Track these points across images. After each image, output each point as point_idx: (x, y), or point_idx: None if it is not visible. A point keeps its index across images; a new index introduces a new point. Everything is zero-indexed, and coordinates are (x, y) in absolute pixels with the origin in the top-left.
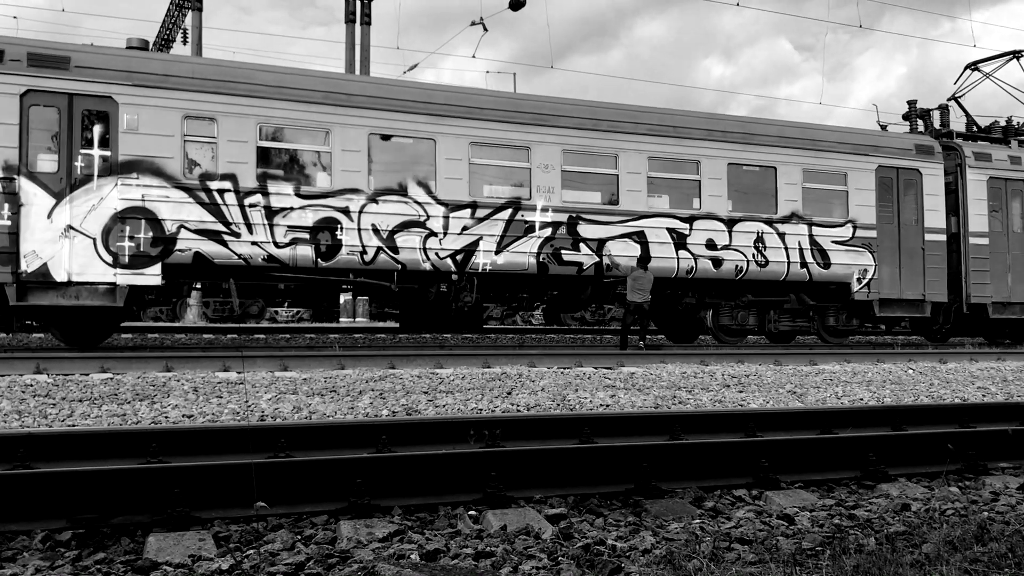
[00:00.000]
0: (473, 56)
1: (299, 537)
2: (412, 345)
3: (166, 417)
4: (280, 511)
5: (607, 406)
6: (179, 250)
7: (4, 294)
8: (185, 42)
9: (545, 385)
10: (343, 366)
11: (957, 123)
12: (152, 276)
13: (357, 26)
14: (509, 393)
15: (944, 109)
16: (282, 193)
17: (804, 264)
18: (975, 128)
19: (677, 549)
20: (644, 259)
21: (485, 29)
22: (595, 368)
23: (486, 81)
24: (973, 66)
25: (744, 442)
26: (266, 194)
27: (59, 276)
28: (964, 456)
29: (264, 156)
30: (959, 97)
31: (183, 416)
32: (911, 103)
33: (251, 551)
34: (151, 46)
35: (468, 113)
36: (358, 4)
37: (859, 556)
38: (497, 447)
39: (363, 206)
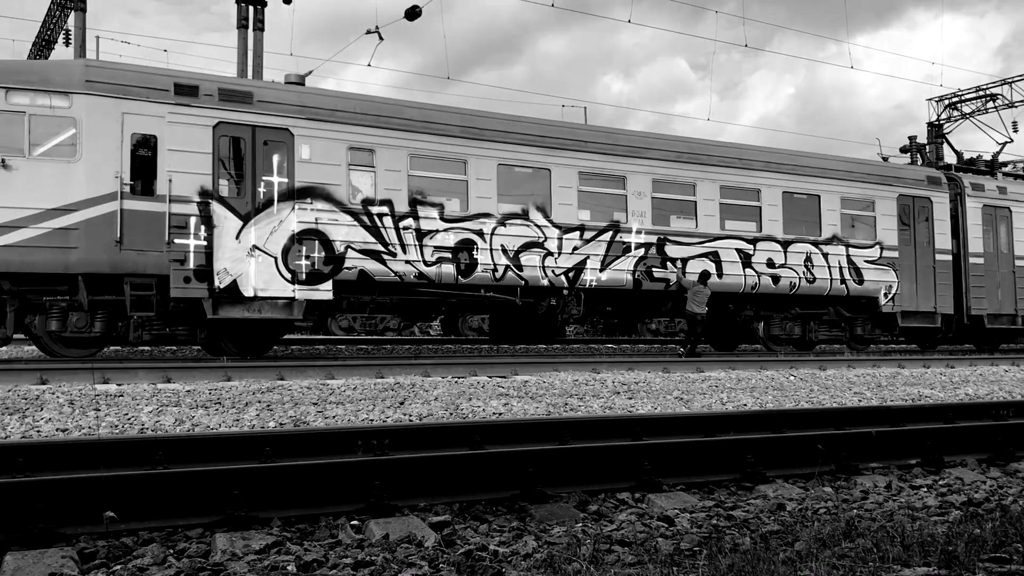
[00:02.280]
0: (369, 65)
1: (171, 551)
2: (303, 356)
3: (38, 431)
4: (152, 525)
5: (500, 414)
6: (347, 268)
7: (202, 308)
8: (68, 44)
9: (439, 394)
10: (229, 377)
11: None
12: (325, 292)
13: (250, 32)
14: (402, 403)
15: (936, 146)
16: (429, 217)
17: (843, 280)
18: (961, 161)
19: (558, 553)
20: (704, 275)
21: (381, 38)
22: (489, 377)
23: (385, 92)
24: (952, 105)
25: (628, 446)
26: (416, 218)
27: (247, 291)
28: (837, 457)
29: (414, 184)
30: (946, 134)
31: (57, 430)
32: (911, 138)
33: (118, 567)
34: (30, 48)
35: (576, 146)
36: (251, 10)
37: (734, 555)
38: (382, 456)
39: (494, 229)
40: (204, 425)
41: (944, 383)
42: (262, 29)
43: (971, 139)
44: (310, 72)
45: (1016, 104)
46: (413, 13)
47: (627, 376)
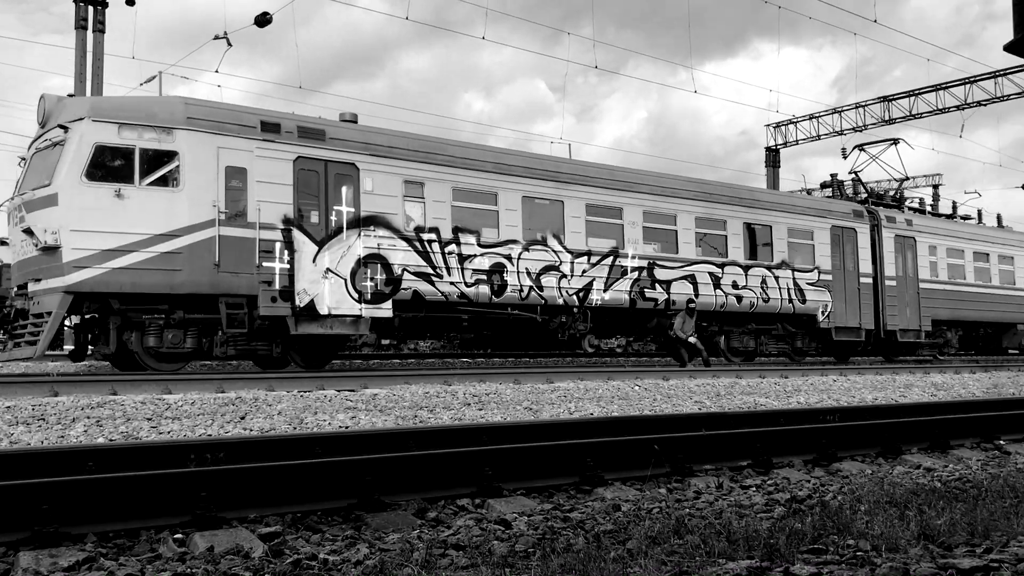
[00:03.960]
0: (216, 71)
1: None
2: (136, 373)
3: None
4: None
5: (346, 427)
6: (403, 288)
7: (286, 324)
8: None
9: (282, 409)
10: (56, 392)
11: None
12: (386, 310)
13: (89, 33)
14: (243, 418)
15: (854, 182)
16: (468, 243)
17: (791, 300)
18: (869, 196)
19: (390, 559)
20: (692, 303)
21: (229, 44)
22: (337, 391)
23: (241, 100)
24: (860, 147)
25: (468, 452)
26: (458, 244)
27: (322, 310)
28: (672, 460)
29: (456, 214)
30: (858, 172)
31: None
32: (833, 175)
33: None
34: None
35: (583, 181)
36: (90, 10)
37: (567, 555)
38: (209, 466)
39: (519, 254)
40: (24, 443)
41: (778, 392)
42: (102, 31)
43: (808, 164)
44: (153, 78)
45: (845, 132)
46: (263, 20)
47: (478, 388)
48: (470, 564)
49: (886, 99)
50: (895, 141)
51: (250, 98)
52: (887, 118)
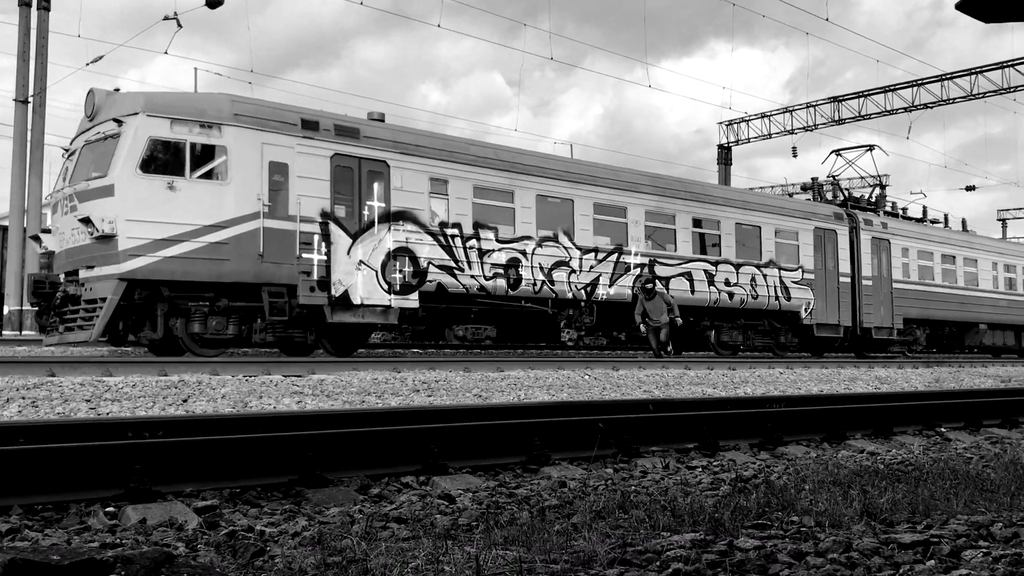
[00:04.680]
0: (166, 52)
1: None
2: (75, 356)
3: None
4: None
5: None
6: (428, 281)
7: (322, 313)
8: None
9: (227, 392)
10: None
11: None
12: (413, 301)
13: (33, 11)
14: (185, 400)
15: (833, 185)
16: (487, 238)
17: (777, 297)
18: (847, 199)
19: (329, 531)
20: (650, 283)
21: (179, 25)
22: (284, 376)
23: (196, 81)
24: (837, 152)
25: (413, 430)
26: (478, 239)
27: (355, 300)
28: (620, 441)
29: (476, 210)
30: (836, 176)
31: None
32: (814, 179)
33: None
34: None
35: (592, 181)
36: None
37: (511, 528)
38: (143, 439)
39: (533, 249)
40: None
41: (726, 383)
42: (47, 8)
43: (760, 164)
44: (100, 57)
45: (796, 131)
46: (214, 2)
47: (428, 375)
48: (412, 536)
49: (836, 99)
50: (870, 148)
51: (204, 83)
52: (837, 118)
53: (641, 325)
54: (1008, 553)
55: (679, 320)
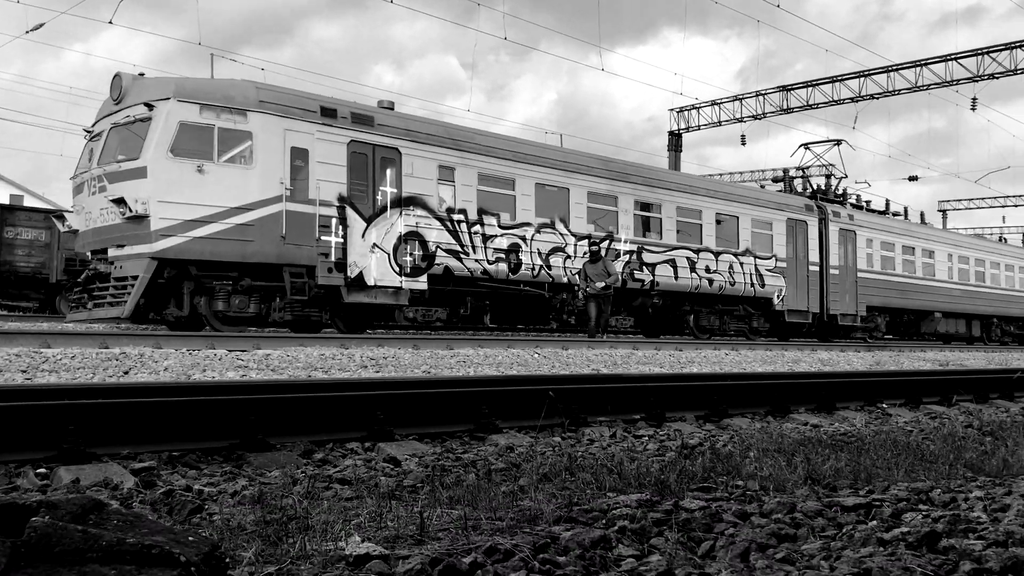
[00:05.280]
0: (110, 22)
1: None
2: (10, 328)
3: None
4: None
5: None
6: (436, 264)
7: (339, 293)
8: None
9: (169, 365)
10: None
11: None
12: (422, 283)
13: None
14: (126, 373)
15: (802, 179)
16: (491, 224)
17: (752, 284)
18: (816, 191)
19: (270, 490)
20: (596, 244)
21: None
22: (228, 351)
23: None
24: (806, 146)
25: (358, 396)
26: (482, 224)
27: (369, 281)
28: (568, 411)
29: (480, 197)
30: (806, 169)
31: None
32: (785, 171)
33: None
34: None
35: (586, 171)
36: None
37: (457, 489)
38: (76, 400)
39: (532, 235)
40: None
41: (673, 363)
42: None
43: (709, 152)
44: (41, 25)
45: (745, 119)
46: None
47: (376, 351)
48: (355, 496)
49: (785, 88)
50: (838, 142)
51: (152, 59)
52: (785, 107)
53: (580, 292)
54: (947, 515)
55: (616, 284)
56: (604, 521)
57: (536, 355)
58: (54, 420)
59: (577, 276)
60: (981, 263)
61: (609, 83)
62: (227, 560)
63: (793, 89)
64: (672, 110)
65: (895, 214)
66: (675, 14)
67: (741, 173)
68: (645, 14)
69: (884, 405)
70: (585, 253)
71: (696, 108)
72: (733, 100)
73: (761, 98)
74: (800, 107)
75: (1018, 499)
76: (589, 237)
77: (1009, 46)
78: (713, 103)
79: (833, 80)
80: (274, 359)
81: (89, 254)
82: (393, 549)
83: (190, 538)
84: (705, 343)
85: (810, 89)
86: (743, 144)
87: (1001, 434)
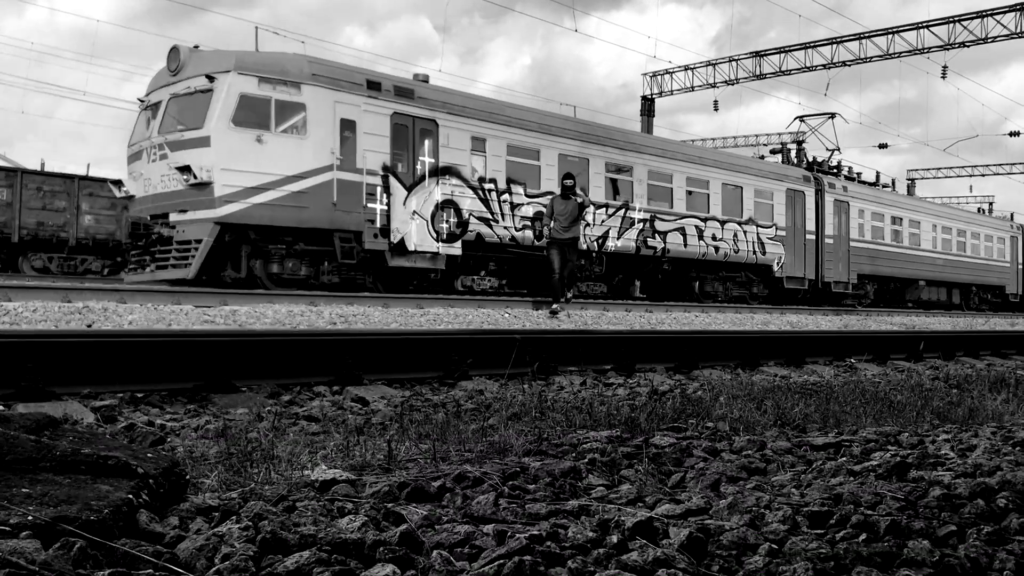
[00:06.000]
0: None
1: None
2: None
3: None
4: None
5: None
6: (470, 231)
7: (383, 258)
8: None
9: (134, 320)
10: None
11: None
12: (456, 249)
13: None
14: (89, 326)
15: (798, 150)
16: (518, 193)
17: (754, 252)
18: (812, 163)
19: (235, 424)
20: (568, 188)
21: None
22: (195, 306)
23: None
24: (800, 118)
25: (326, 340)
26: (511, 193)
27: (410, 247)
28: (538, 358)
29: (509, 167)
30: (802, 142)
31: None
32: (783, 143)
33: None
34: None
35: (603, 142)
36: None
37: (427, 426)
38: (34, 337)
39: None
40: None
41: (643, 324)
42: None
43: (683, 120)
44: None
45: (718, 85)
46: None
47: (346, 309)
48: (322, 431)
49: (758, 54)
50: (832, 115)
51: (119, 16)
52: (758, 73)
53: (544, 232)
54: (916, 452)
55: (579, 238)
56: (574, 454)
57: (506, 315)
58: (11, 358)
59: (544, 214)
60: (962, 233)
61: (583, 48)
62: (188, 477)
63: (766, 55)
64: (645, 75)
65: (884, 186)
66: None
67: (714, 140)
68: None
69: (852, 360)
70: (603, 221)
71: (670, 73)
72: (706, 65)
73: (734, 64)
74: (773, 73)
75: (985, 440)
76: (607, 206)
77: (980, 14)
78: (686, 68)
79: (806, 47)
80: (241, 315)
81: (148, 218)
82: (360, 476)
83: (149, 455)
84: (675, 306)
85: (783, 55)
86: (716, 110)
87: (967, 387)
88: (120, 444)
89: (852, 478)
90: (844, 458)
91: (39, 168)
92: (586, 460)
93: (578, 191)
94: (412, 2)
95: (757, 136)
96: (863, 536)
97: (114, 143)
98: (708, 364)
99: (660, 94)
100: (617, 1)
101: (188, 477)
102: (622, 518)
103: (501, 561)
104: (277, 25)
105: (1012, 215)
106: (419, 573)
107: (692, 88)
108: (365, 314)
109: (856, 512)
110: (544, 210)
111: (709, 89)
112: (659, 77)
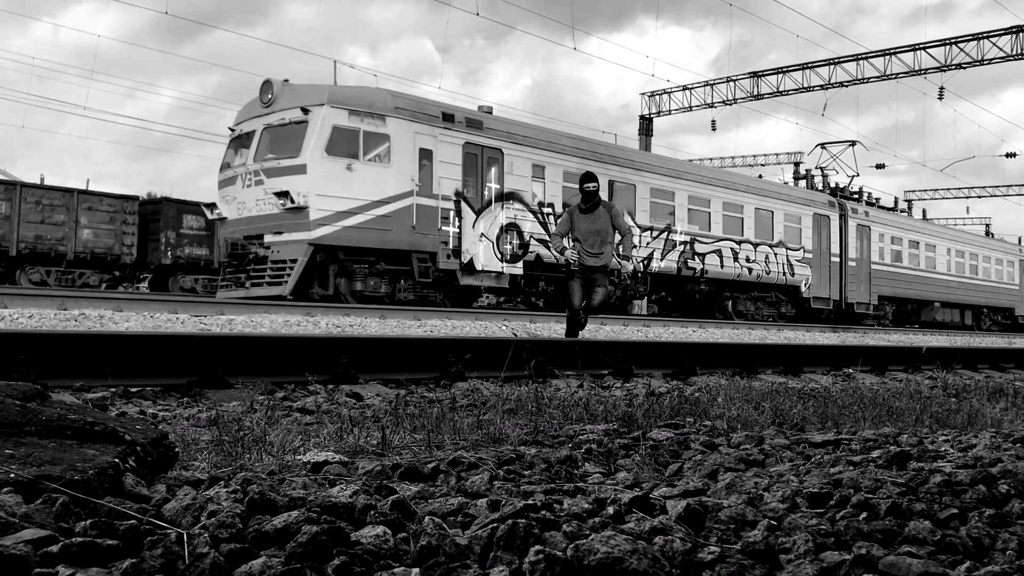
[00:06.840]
0: None
1: None
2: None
3: None
4: None
5: None
6: (530, 252)
7: (455, 276)
8: None
9: (129, 327)
10: None
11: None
12: (519, 269)
13: None
14: None
15: (823, 176)
16: None
17: (783, 273)
18: (835, 189)
19: (227, 413)
20: (590, 194)
21: None
22: (191, 315)
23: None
24: (822, 146)
25: (322, 339)
26: None
27: (478, 266)
28: (536, 364)
29: (565, 192)
30: (824, 168)
31: None
32: (808, 170)
33: None
34: None
35: (649, 168)
36: None
37: (422, 419)
38: (30, 330)
39: None
40: None
41: (640, 339)
42: None
43: (681, 141)
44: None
45: (716, 105)
46: None
47: (342, 320)
48: (316, 422)
49: (756, 75)
50: (852, 143)
51: (123, 33)
52: (756, 93)
53: (562, 255)
54: (915, 448)
55: (630, 267)
56: (571, 444)
57: (504, 327)
58: (3, 351)
59: (555, 233)
60: (974, 257)
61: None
62: (176, 451)
63: (764, 75)
64: (644, 94)
65: (901, 211)
66: (651, 1)
67: (712, 159)
68: (619, 1)
69: (850, 370)
70: (648, 243)
71: (668, 93)
72: (704, 85)
73: (732, 84)
74: (770, 94)
75: (986, 439)
76: (651, 229)
77: (977, 36)
78: (684, 88)
79: (804, 67)
80: (237, 324)
81: (242, 239)
82: (353, 460)
83: (138, 426)
84: (672, 321)
85: (781, 76)
86: (713, 130)
87: (966, 395)
88: (109, 416)
89: (852, 467)
90: (843, 452)
91: (38, 182)
92: (583, 450)
93: (605, 199)
94: (414, 23)
95: (755, 156)
96: (863, 515)
97: (115, 159)
98: (706, 371)
99: (658, 114)
100: (618, 23)
101: (176, 450)
102: (618, 495)
103: (495, 524)
104: (278, 46)
105: (1021, 239)
106: (411, 536)
107: (690, 108)
108: (362, 324)
109: (856, 494)
110: (556, 228)
111: (707, 109)
112: (657, 97)
